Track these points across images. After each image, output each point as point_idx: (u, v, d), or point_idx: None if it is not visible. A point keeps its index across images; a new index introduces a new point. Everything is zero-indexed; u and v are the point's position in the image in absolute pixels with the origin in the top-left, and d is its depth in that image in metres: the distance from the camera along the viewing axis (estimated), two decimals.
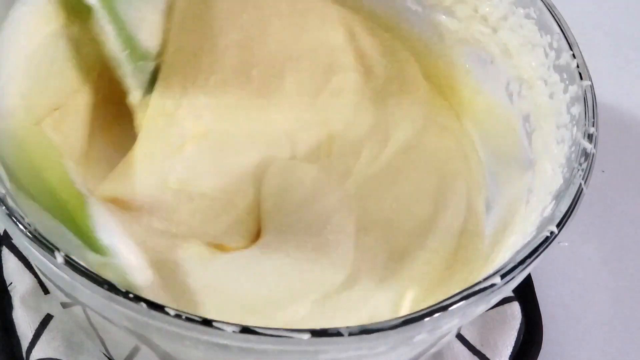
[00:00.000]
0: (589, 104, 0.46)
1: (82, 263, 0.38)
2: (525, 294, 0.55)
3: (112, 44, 0.49)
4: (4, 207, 0.40)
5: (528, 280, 0.55)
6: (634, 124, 0.68)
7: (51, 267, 0.39)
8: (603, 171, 0.62)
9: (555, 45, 0.49)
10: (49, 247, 0.38)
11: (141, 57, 0.50)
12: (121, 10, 0.49)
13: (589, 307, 0.58)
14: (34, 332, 0.51)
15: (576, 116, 0.46)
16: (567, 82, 0.48)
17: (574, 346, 0.56)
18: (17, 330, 0.52)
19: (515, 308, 0.54)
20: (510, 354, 0.53)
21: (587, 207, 0.44)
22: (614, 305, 0.59)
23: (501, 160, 0.53)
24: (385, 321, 0.37)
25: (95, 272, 0.38)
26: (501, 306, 0.54)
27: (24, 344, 0.51)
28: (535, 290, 0.56)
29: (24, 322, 0.52)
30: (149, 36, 0.50)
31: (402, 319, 0.37)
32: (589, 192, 0.43)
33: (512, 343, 0.53)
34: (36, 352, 0.51)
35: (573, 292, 0.59)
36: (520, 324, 0.54)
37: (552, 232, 0.41)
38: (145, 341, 0.41)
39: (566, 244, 0.42)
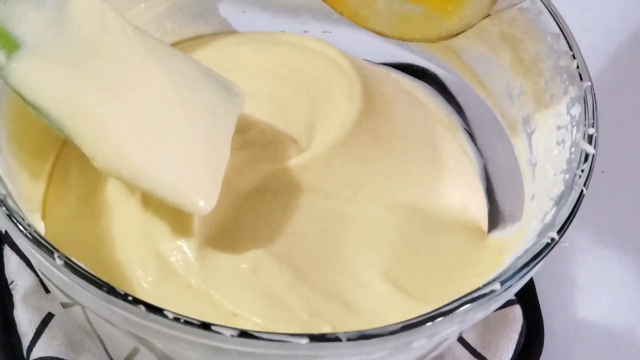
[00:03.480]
0: (589, 105, 0.46)
1: (81, 265, 0.38)
2: (527, 297, 0.55)
3: None
4: (4, 208, 0.40)
5: (529, 283, 0.55)
6: (634, 124, 0.68)
7: (51, 268, 0.39)
8: (603, 171, 0.62)
9: (555, 46, 0.49)
10: (48, 249, 0.38)
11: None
12: None
13: (590, 310, 0.58)
14: (34, 330, 0.51)
15: (576, 117, 0.46)
16: (567, 83, 0.48)
17: (575, 349, 0.56)
18: (18, 328, 0.51)
19: (516, 311, 0.54)
20: (511, 357, 0.53)
21: (588, 208, 0.44)
22: (615, 307, 0.58)
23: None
24: (384, 326, 0.37)
25: (95, 274, 0.38)
26: (502, 309, 0.54)
27: (25, 343, 0.51)
28: (537, 292, 0.55)
29: (25, 321, 0.52)
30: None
31: (401, 325, 0.37)
32: (589, 193, 0.43)
33: (514, 346, 0.53)
34: (37, 351, 0.51)
35: (574, 294, 0.59)
36: (522, 327, 0.53)
37: (552, 239, 0.41)
38: (144, 343, 0.41)
39: (566, 244, 0.42)
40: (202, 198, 0.45)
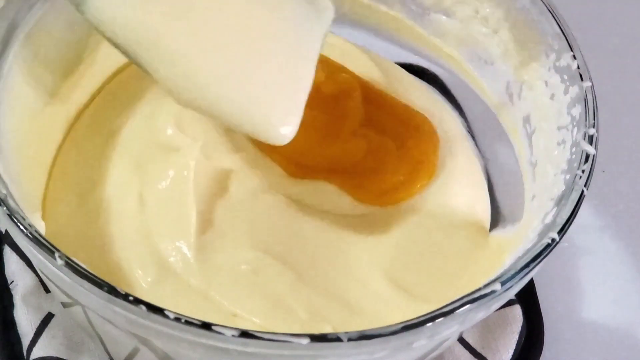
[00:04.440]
0: (590, 105, 0.46)
1: (82, 265, 0.38)
2: (527, 297, 0.55)
3: None
4: (5, 208, 0.40)
5: (530, 283, 0.55)
6: (634, 124, 0.68)
7: (51, 268, 0.39)
8: (603, 171, 0.62)
9: (556, 46, 0.49)
10: (49, 249, 0.38)
11: None
12: None
13: (590, 310, 0.58)
14: (35, 330, 0.51)
15: (577, 117, 0.46)
16: (567, 83, 0.48)
17: (576, 349, 0.56)
18: (18, 328, 0.52)
19: (516, 311, 0.54)
20: (511, 357, 0.53)
21: (588, 208, 0.44)
22: (615, 307, 0.59)
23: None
24: (385, 327, 0.37)
25: (95, 274, 0.38)
26: (502, 309, 0.54)
27: (25, 342, 0.51)
28: (537, 292, 0.56)
29: (25, 321, 0.52)
30: None
31: (402, 325, 0.37)
32: (589, 193, 0.43)
33: (514, 346, 0.53)
34: (37, 351, 0.51)
35: (574, 294, 0.59)
36: (522, 327, 0.54)
37: (553, 239, 0.41)
38: (144, 342, 0.41)
39: (566, 244, 0.42)
40: (282, 126, 0.44)
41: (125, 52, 0.44)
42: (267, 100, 0.44)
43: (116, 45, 0.44)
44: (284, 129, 0.44)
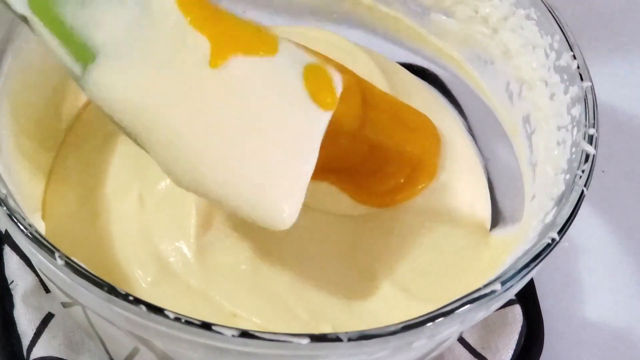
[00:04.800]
0: (590, 105, 0.46)
1: (82, 265, 0.38)
2: (527, 297, 0.55)
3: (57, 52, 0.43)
4: (5, 208, 0.40)
5: (530, 283, 0.54)
6: (634, 124, 0.68)
7: (51, 268, 0.39)
8: (603, 171, 0.62)
9: (555, 46, 0.49)
10: (49, 249, 0.38)
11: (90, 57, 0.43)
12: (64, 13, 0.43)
13: (590, 310, 0.58)
14: (35, 330, 0.51)
15: (577, 117, 0.46)
16: (567, 83, 0.48)
17: (576, 349, 0.56)
18: (18, 328, 0.51)
19: (516, 311, 0.54)
20: (511, 357, 0.53)
21: (588, 208, 0.44)
22: (615, 307, 0.59)
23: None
24: (385, 327, 0.37)
25: (95, 274, 0.38)
26: (502, 309, 0.54)
27: (25, 343, 0.51)
28: (537, 292, 0.56)
29: (25, 321, 0.52)
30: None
31: (402, 325, 0.37)
32: (589, 193, 0.43)
33: (514, 346, 0.53)
34: (37, 351, 0.51)
35: (574, 294, 0.59)
36: (522, 327, 0.54)
37: (553, 239, 0.41)
38: (144, 343, 0.41)
39: (566, 244, 0.42)
40: (283, 212, 0.42)
41: (121, 129, 0.43)
42: (270, 190, 0.42)
43: (114, 122, 0.43)
44: (285, 216, 0.42)
